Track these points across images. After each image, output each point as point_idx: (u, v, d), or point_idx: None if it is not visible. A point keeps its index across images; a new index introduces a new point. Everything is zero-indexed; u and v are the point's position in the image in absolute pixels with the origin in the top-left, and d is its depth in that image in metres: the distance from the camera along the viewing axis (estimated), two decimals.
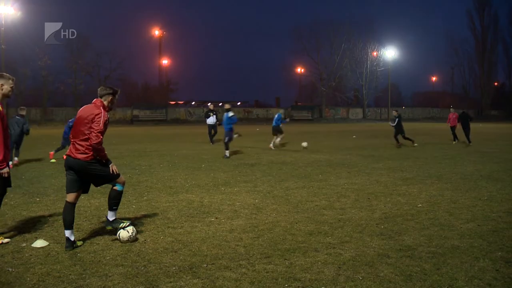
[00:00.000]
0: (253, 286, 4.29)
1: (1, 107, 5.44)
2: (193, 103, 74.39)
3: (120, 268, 4.73)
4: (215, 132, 21.95)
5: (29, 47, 55.27)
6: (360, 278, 4.45)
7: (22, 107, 14.16)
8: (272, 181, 10.26)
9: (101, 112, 5.51)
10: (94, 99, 5.68)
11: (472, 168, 12.37)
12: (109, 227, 5.80)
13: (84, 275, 4.53)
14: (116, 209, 5.83)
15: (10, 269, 4.70)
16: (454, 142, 21.61)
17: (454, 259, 4.99)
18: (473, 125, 21.67)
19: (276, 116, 19.49)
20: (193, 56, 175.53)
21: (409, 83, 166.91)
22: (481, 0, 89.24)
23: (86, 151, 5.42)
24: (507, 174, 11.20)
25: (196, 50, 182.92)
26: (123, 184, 5.80)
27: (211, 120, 21.75)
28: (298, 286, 4.28)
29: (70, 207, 5.52)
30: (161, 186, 9.59)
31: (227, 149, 15.45)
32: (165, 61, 78.16)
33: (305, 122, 63.20)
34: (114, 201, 5.76)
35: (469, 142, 20.34)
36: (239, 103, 78.37)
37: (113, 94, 5.74)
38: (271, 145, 19.05)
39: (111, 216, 5.78)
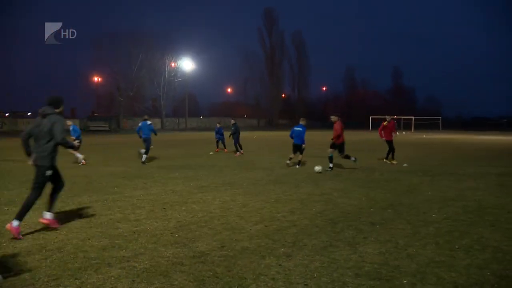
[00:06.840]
0: None
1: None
2: None
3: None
4: None
5: None
6: None
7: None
8: (62, 196, 9.47)
9: None
10: None
11: (262, 173, 13.39)
12: None
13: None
14: None
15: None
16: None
17: (243, 259, 5.29)
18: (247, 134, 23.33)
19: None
20: None
21: (207, 94, 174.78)
22: (270, 19, 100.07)
23: None
24: (292, 178, 12.43)
25: None
26: None
27: None
28: None
29: None
30: None
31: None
32: None
33: (102, 133, 60.72)
34: None
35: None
36: None
37: None
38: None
39: None
